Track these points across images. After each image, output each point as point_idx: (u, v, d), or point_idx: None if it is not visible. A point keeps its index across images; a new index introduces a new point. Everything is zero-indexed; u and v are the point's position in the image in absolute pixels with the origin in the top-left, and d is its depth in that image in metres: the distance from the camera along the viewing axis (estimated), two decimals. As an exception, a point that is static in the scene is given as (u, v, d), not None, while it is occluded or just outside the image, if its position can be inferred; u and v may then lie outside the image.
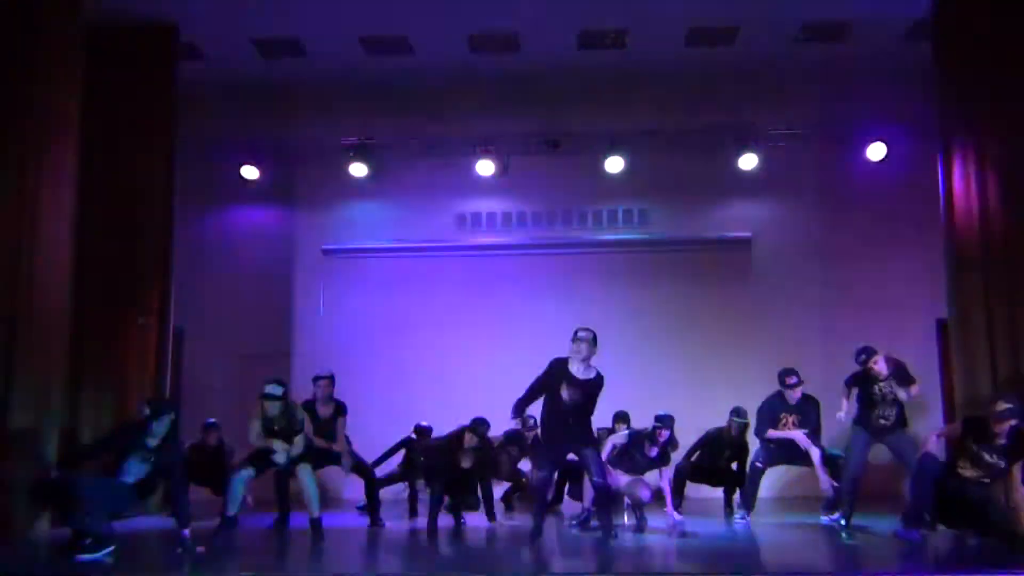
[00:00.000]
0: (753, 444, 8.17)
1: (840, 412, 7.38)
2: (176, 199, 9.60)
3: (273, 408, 7.19)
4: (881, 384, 7.11)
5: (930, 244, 9.51)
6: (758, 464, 7.86)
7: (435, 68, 10.52)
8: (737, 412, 8.17)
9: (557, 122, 10.83)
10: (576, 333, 6.66)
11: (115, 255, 9.06)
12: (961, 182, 8.83)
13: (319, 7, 9.27)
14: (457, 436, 7.51)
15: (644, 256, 10.91)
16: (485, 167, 10.73)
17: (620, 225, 11.08)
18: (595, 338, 6.64)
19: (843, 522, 7.10)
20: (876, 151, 10.49)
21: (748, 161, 10.59)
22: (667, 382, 10.08)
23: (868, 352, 7.31)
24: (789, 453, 7.77)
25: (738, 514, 7.83)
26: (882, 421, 7.16)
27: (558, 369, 6.65)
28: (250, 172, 10.87)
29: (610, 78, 10.65)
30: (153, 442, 6.38)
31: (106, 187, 9.04)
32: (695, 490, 9.06)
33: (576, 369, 6.63)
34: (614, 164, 10.67)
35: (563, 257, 10.98)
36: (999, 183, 8.69)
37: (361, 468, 8.26)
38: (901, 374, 7.19)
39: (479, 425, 7.51)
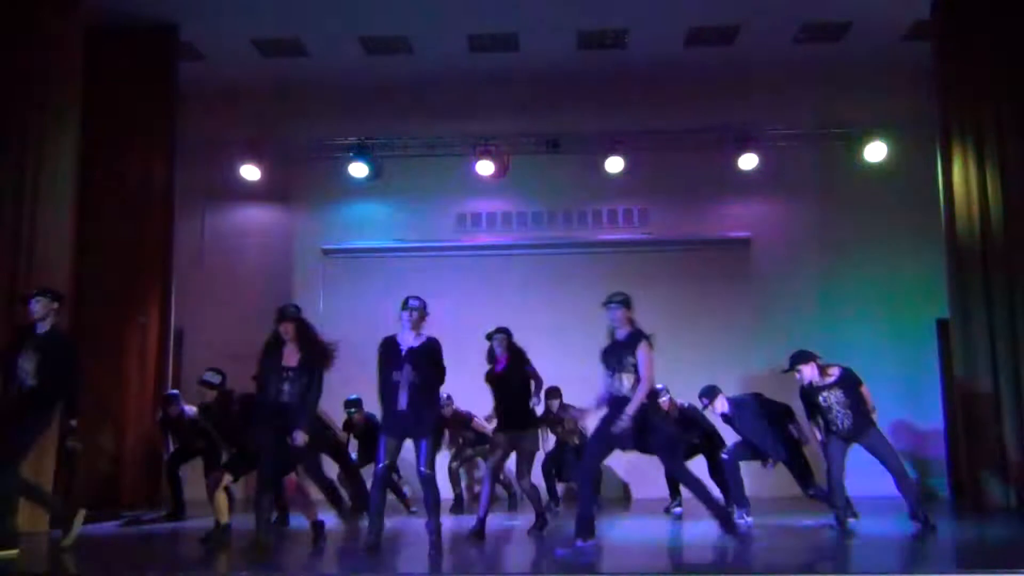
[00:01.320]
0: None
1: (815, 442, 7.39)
2: (176, 199, 9.60)
3: (211, 396, 7.11)
4: (825, 394, 7.07)
5: (930, 244, 9.51)
6: (724, 456, 7.89)
7: (435, 68, 10.53)
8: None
9: (557, 122, 10.83)
10: (406, 302, 6.37)
11: (115, 255, 9.07)
12: (961, 182, 8.84)
13: (319, 7, 9.27)
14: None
15: (644, 256, 10.90)
16: (485, 167, 10.73)
17: (620, 225, 11.08)
18: (424, 307, 6.36)
19: (837, 524, 7.06)
20: (876, 151, 10.48)
21: (748, 161, 10.58)
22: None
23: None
24: (752, 451, 7.80)
25: (736, 514, 7.82)
26: (841, 426, 7.08)
27: (384, 345, 6.32)
28: (250, 172, 10.87)
29: (610, 78, 10.66)
30: None
31: (106, 187, 9.05)
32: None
33: (404, 339, 6.30)
34: (614, 164, 10.67)
35: (563, 257, 10.97)
36: (999, 183, 8.70)
37: (347, 466, 8.23)
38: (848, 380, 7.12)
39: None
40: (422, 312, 6.36)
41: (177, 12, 9.40)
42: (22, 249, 7.79)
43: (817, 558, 6.12)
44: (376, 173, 10.87)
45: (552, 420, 8.92)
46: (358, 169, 10.78)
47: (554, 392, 8.83)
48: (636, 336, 6.29)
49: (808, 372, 7.07)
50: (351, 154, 10.78)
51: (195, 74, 10.04)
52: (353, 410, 8.89)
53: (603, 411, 6.33)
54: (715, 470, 8.44)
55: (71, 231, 8.11)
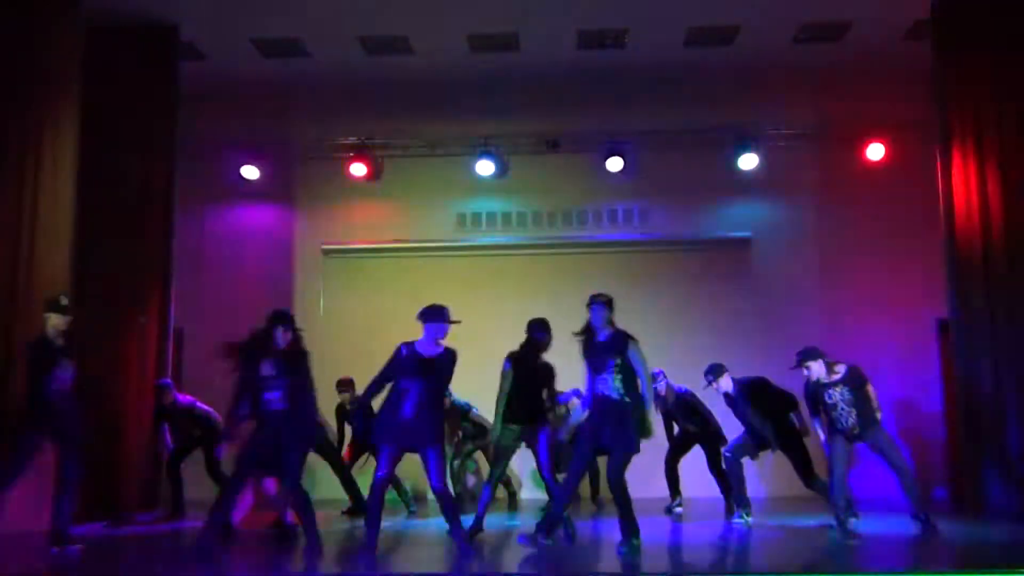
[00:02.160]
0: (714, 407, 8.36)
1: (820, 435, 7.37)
2: (176, 199, 9.60)
3: None
4: (831, 391, 7.07)
5: (930, 244, 9.51)
6: (727, 454, 7.88)
7: (435, 68, 10.53)
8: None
9: (557, 122, 10.84)
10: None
11: (115, 255, 9.06)
12: (961, 182, 8.84)
13: (319, 7, 9.27)
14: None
15: (644, 256, 10.91)
16: (485, 167, 10.74)
17: (620, 225, 11.09)
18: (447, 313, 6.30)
19: (838, 524, 7.03)
20: (876, 151, 10.49)
21: (748, 161, 10.59)
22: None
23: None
24: (753, 443, 7.78)
25: (735, 514, 7.81)
26: (846, 424, 7.10)
27: (402, 351, 6.25)
28: (250, 172, 10.88)
29: (610, 78, 10.65)
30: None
31: (106, 187, 9.04)
32: (695, 490, 9.05)
33: (423, 348, 6.25)
34: (614, 164, 10.67)
35: (563, 257, 10.97)
36: (999, 183, 8.70)
37: (335, 461, 8.21)
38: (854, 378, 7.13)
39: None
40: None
41: (177, 12, 9.38)
42: (23, 249, 7.78)
43: (817, 558, 6.12)
44: (376, 173, 10.88)
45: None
46: (358, 169, 10.80)
47: None
48: (621, 337, 6.28)
49: (816, 369, 7.08)
50: (351, 154, 10.80)
51: (195, 74, 10.04)
52: (345, 390, 8.79)
53: (588, 413, 6.34)
54: (713, 463, 8.41)
55: (71, 231, 8.11)
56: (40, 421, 6.46)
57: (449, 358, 6.27)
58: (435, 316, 6.27)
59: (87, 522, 8.21)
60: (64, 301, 6.73)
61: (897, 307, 10.42)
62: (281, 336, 6.21)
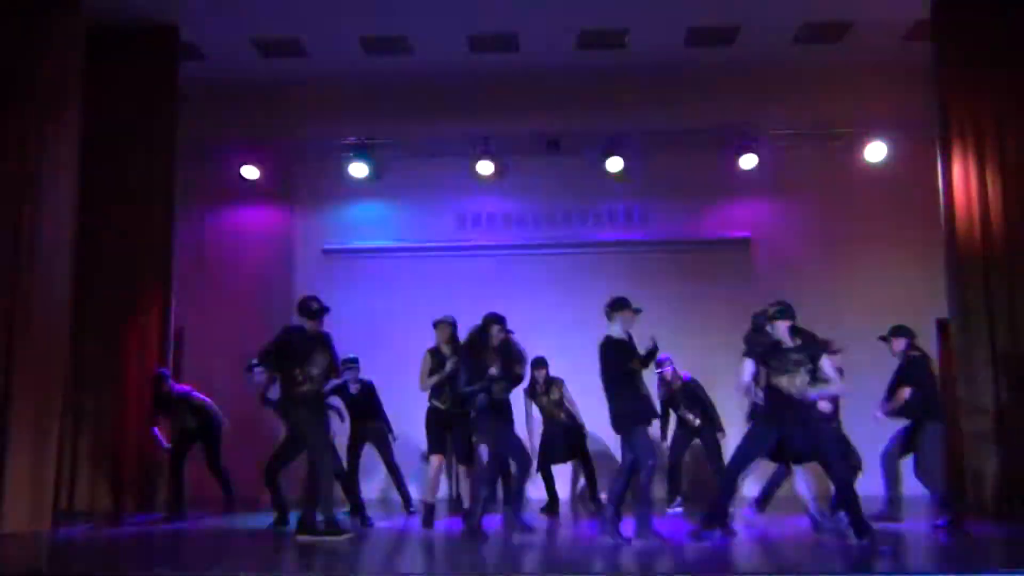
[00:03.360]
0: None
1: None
2: (176, 199, 9.61)
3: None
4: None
5: (930, 244, 9.51)
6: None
7: (435, 68, 10.53)
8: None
9: (557, 122, 10.83)
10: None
11: (115, 255, 9.08)
12: (961, 182, 8.84)
13: (319, 7, 9.28)
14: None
15: (644, 256, 10.90)
16: (485, 167, 10.74)
17: (620, 225, 11.09)
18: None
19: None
20: (876, 151, 10.49)
21: (748, 161, 10.59)
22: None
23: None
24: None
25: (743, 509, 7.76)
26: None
27: (623, 348, 6.91)
28: (250, 172, 10.88)
29: (610, 78, 10.66)
30: None
31: (106, 187, 9.05)
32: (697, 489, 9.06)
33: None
34: (614, 164, 10.68)
35: (563, 257, 10.97)
36: (999, 183, 8.71)
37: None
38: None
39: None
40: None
41: (177, 12, 9.40)
42: (22, 249, 7.79)
43: (820, 558, 6.12)
44: (377, 173, 10.90)
45: (538, 392, 8.90)
46: (358, 169, 10.80)
47: (540, 363, 8.83)
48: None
49: (897, 347, 7.57)
50: (351, 154, 10.80)
51: (195, 74, 10.04)
52: (349, 368, 8.70)
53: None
54: (713, 456, 8.38)
55: (71, 231, 8.11)
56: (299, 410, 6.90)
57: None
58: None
59: (87, 522, 8.24)
60: (315, 306, 7.16)
61: (897, 307, 10.38)
62: (496, 335, 7.04)
